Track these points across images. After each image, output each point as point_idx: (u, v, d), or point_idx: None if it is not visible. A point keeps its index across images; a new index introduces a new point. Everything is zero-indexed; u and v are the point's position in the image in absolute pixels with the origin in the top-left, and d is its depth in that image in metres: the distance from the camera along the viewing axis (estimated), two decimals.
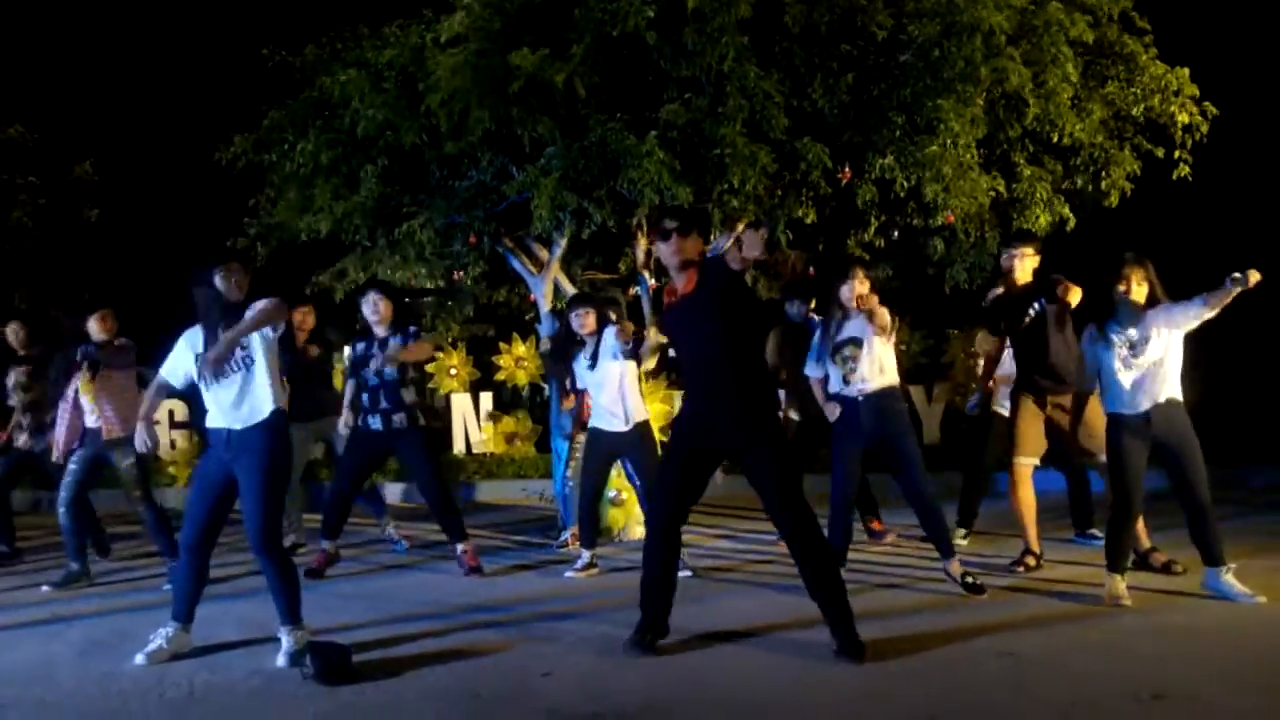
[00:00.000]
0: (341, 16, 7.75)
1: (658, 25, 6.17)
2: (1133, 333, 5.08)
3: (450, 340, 10.92)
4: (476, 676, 4.10)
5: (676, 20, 6.23)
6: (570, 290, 7.91)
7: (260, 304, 4.26)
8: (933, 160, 6.47)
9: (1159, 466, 5.17)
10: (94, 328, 6.16)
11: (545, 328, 7.92)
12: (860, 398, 5.52)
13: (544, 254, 7.83)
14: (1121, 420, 5.11)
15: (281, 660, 4.26)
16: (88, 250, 13.12)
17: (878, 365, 5.53)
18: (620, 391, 6.07)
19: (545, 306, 7.87)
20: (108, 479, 6.43)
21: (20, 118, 12.84)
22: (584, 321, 6.27)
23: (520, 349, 10.88)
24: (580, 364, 6.29)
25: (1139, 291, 5.07)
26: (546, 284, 7.81)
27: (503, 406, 11.04)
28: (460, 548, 6.28)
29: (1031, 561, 5.92)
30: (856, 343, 5.55)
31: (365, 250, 7.60)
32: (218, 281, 4.41)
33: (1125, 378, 5.08)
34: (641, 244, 7.67)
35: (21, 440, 7.07)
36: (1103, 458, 5.44)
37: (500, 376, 11.01)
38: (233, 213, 7.96)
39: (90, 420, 6.16)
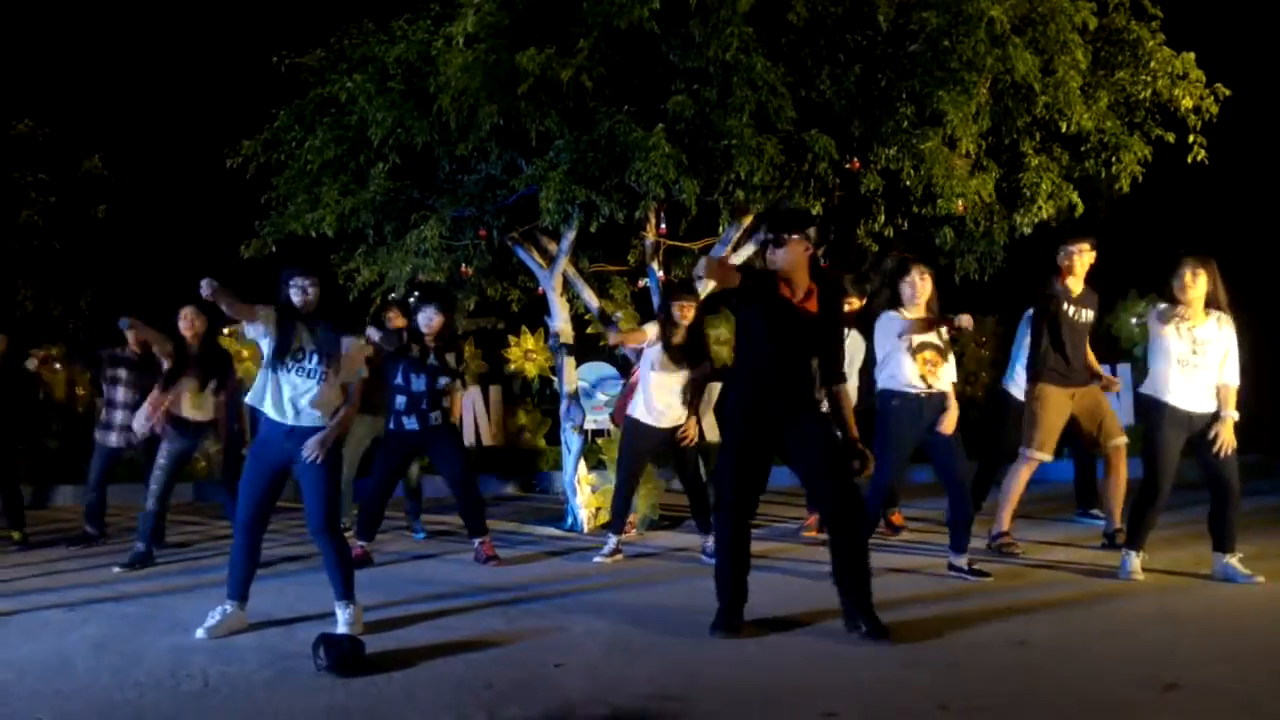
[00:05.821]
0: (348, 13, 7.75)
1: (663, 16, 6.16)
2: (1199, 332, 5.12)
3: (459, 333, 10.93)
4: (490, 666, 4.12)
5: (682, 12, 6.22)
6: (580, 283, 7.91)
7: (344, 413, 4.67)
8: (930, 155, 6.47)
9: (1191, 456, 5.28)
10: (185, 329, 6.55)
11: (553, 321, 7.93)
12: (924, 394, 5.53)
13: (553, 247, 7.83)
14: (1170, 411, 5.16)
15: (342, 630, 4.50)
16: (97, 247, 13.10)
17: (951, 369, 5.66)
18: (679, 393, 6.24)
19: (554, 299, 7.87)
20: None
21: (30, 113, 12.80)
22: (682, 314, 6.29)
23: (529, 342, 10.89)
24: (658, 353, 6.26)
25: (1198, 289, 5.10)
26: (555, 277, 7.82)
27: (512, 399, 11.05)
28: (478, 541, 6.42)
29: (1007, 540, 6.12)
30: (937, 349, 5.57)
31: (371, 247, 7.60)
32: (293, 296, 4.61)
33: (1184, 373, 5.13)
34: (650, 235, 7.66)
35: (113, 438, 7.11)
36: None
37: (510, 369, 11.02)
38: (245, 212, 7.95)
39: (191, 415, 6.49)
